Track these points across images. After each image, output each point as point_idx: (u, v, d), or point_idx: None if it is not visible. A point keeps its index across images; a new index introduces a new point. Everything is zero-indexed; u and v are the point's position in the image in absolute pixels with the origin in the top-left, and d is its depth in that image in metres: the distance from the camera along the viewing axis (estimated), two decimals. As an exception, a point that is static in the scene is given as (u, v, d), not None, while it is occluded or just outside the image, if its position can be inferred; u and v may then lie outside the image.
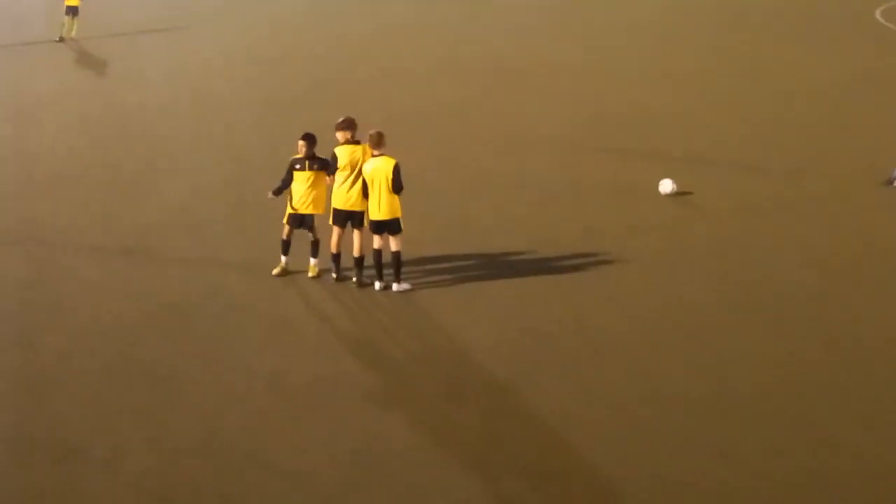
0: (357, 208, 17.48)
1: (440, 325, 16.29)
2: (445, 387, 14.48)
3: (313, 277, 17.89)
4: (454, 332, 16.02)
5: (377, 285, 17.47)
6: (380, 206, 17.22)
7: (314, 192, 17.73)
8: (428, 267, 18.28)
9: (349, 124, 17.72)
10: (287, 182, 17.79)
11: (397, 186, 17.15)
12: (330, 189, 17.75)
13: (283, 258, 18.04)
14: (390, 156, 17.23)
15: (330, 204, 17.74)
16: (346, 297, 17.32)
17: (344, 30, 42.32)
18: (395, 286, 17.43)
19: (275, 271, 17.98)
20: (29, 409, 13.87)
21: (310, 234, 17.92)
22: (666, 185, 22.03)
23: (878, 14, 45.49)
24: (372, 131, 17.44)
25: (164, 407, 13.89)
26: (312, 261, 18.04)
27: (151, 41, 40.02)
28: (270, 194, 18.02)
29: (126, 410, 13.81)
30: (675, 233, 20.13)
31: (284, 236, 17.96)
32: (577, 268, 18.35)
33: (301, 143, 17.72)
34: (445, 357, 15.34)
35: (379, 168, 17.15)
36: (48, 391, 14.31)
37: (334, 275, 17.83)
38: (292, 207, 17.83)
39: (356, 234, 17.58)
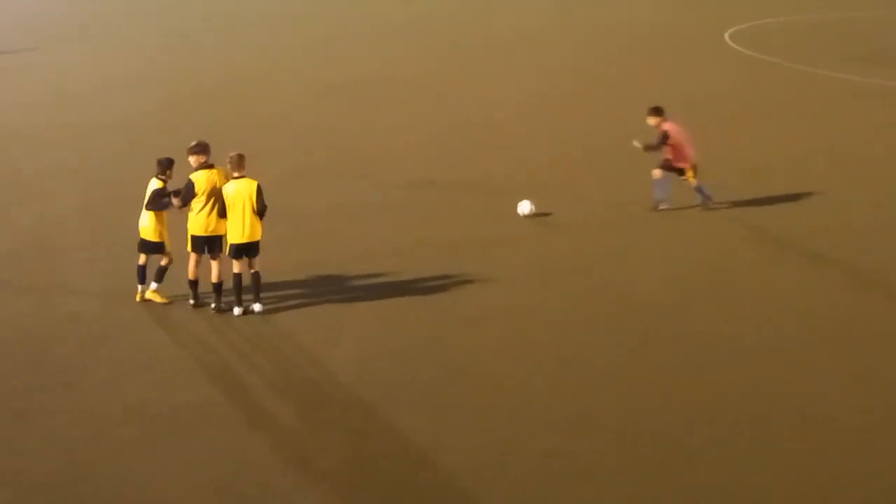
0: (217, 233, 17.27)
1: (301, 349, 16.16)
2: (307, 411, 14.34)
3: (154, 301, 17.71)
4: (315, 356, 15.91)
5: (236, 311, 17.28)
6: (243, 230, 17.04)
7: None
8: (288, 291, 18.14)
9: (203, 148, 17.50)
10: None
11: (261, 208, 17.02)
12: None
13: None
14: (251, 177, 17.10)
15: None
16: (205, 323, 17.08)
17: (200, 52, 41.93)
18: (256, 307, 17.28)
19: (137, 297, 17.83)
20: None
21: (164, 259, 17.76)
22: (524, 207, 22.13)
23: (726, 36, 46.64)
24: (232, 153, 17.24)
25: (19, 440, 13.51)
26: (154, 286, 17.80)
27: (7, 63, 39.13)
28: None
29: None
30: (535, 251, 20.28)
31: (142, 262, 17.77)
32: (437, 288, 18.38)
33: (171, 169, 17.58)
34: (306, 381, 15.20)
35: (241, 190, 16.98)
36: None
37: (192, 301, 17.59)
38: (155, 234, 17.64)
39: (214, 260, 17.39)
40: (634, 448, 13.33)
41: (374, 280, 18.81)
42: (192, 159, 17.44)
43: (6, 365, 15.65)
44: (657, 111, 22.40)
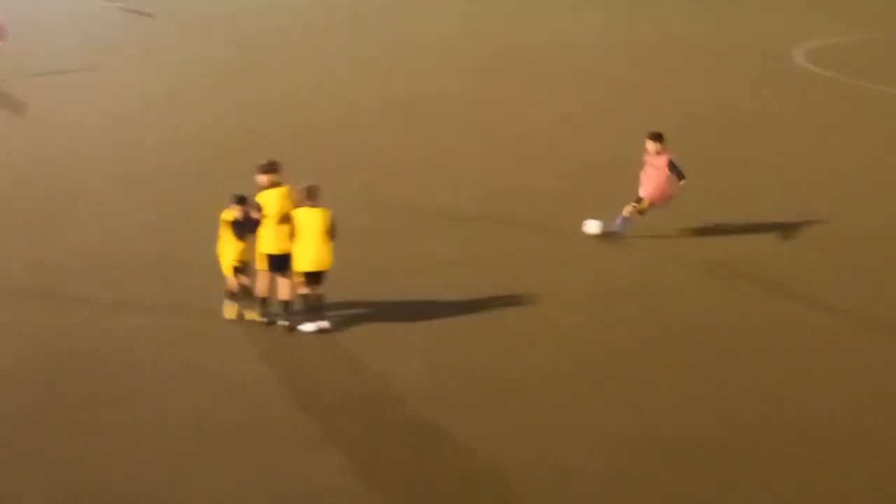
0: (288, 251, 17.26)
1: (366, 367, 16.19)
2: (372, 429, 14.39)
3: (237, 320, 17.69)
4: (380, 374, 15.94)
5: (306, 327, 17.30)
6: (313, 258, 17.15)
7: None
8: (354, 310, 18.08)
9: (273, 167, 17.52)
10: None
11: (334, 235, 17.16)
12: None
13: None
14: (323, 207, 17.18)
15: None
16: (273, 340, 17.12)
17: (264, 72, 42.02)
18: (324, 324, 17.30)
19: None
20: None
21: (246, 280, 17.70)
22: (592, 226, 21.88)
23: (798, 55, 46.02)
24: (305, 184, 17.27)
25: (85, 455, 13.62)
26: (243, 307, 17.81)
27: (71, 82, 39.41)
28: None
29: (39, 459, 13.50)
30: (599, 272, 20.20)
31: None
32: (500, 307, 18.33)
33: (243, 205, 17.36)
34: (372, 399, 15.23)
35: (313, 220, 17.09)
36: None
37: (262, 319, 17.60)
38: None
39: (283, 278, 17.40)
40: (700, 464, 13.35)
41: (438, 297, 18.74)
42: (264, 178, 17.43)
43: (74, 378, 15.76)
44: (660, 137, 21.72)
